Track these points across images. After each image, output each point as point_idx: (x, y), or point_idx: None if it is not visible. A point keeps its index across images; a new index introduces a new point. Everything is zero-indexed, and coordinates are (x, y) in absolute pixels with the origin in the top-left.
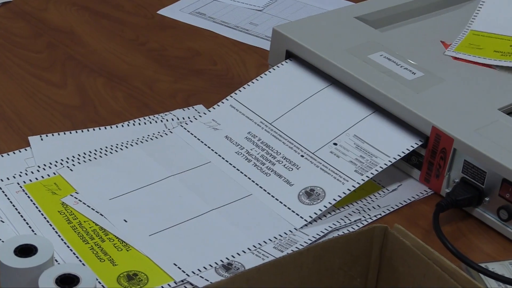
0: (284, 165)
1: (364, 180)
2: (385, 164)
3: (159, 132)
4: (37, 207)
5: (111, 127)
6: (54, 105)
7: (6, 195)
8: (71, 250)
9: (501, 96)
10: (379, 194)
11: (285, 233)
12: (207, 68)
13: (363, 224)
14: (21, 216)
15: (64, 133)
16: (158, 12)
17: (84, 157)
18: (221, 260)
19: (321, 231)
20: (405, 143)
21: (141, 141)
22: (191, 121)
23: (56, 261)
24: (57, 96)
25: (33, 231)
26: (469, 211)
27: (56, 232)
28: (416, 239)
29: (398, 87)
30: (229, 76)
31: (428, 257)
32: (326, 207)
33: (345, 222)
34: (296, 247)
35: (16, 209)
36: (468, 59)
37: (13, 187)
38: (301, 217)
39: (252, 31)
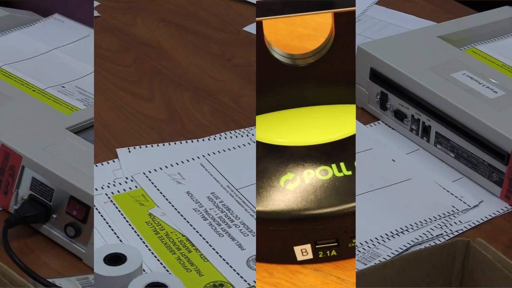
0: (240, 230)
1: None
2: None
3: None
4: (124, 218)
5: (197, 141)
6: (141, 118)
7: (94, 205)
8: (158, 260)
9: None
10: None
11: (368, 246)
12: None
13: (444, 239)
14: (109, 226)
15: (152, 146)
16: (244, 28)
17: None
18: None
19: (404, 245)
20: None
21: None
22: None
23: (144, 270)
24: (145, 109)
25: (121, 240)
26: (37, 228)
27: (144, 242)
28: (498, 253)
29: (480, 105)
30: None
31: (510, 271)
32: None
33: (427, 236)
34: (379, 260)
35: (104, 219)
36: None
37: (102, 197)
38: (244, 280)
39: None
